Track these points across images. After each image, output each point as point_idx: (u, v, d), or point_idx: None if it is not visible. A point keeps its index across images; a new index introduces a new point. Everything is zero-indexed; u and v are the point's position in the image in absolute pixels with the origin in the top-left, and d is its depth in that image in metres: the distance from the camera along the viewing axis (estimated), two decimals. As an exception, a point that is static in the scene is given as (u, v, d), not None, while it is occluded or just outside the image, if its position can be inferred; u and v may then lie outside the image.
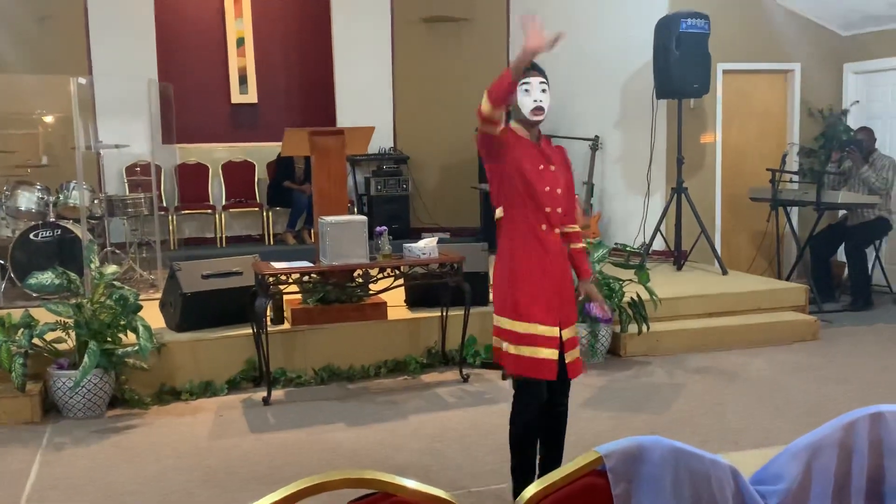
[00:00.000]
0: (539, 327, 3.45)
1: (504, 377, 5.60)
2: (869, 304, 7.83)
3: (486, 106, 3.26)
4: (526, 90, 3.43)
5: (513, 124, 3.56)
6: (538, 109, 3.44)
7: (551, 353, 3.46)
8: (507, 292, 3.52)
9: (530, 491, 1.71)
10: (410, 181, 10.08)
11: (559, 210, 3.55)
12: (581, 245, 3.77)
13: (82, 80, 6.73)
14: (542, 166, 3.49)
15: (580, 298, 3.78)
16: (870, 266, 7.99)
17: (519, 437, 3.60)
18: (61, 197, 7.55)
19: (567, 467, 1.74)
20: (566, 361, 3.56)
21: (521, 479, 3.62)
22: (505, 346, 3.53)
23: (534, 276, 3.48)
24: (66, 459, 4.48)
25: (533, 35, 3.16)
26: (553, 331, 3.48)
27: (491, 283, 3.72)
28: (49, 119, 8.37)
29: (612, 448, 1.76)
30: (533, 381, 3.50)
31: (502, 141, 3.41)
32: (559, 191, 3.54)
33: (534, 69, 3.47)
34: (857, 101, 8.82)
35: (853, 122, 8.74)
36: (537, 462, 3.68)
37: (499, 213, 3.59)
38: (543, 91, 3.44)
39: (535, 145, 3.52)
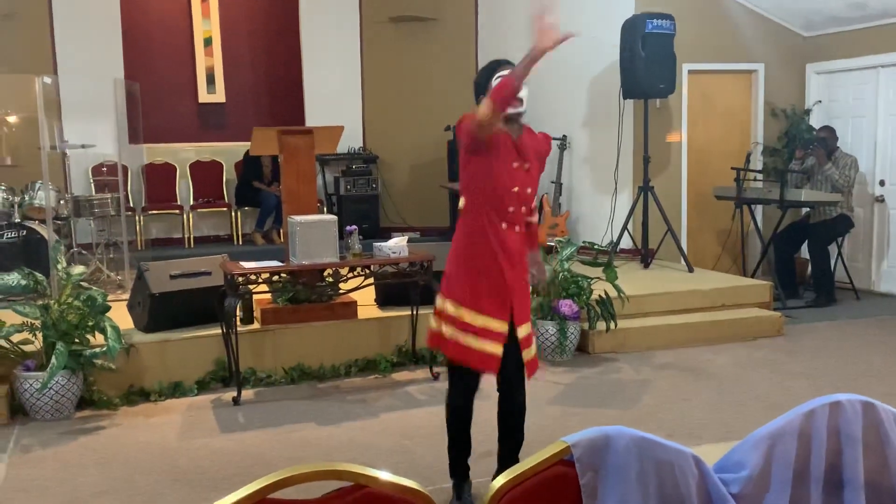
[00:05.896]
0: (491, 321, 3.44)
1: (436, 377, 5.66)
2: (831, 300, 7.97)
3: (487, 112, 3.19)
4: None
5: None
6: (519, 101, 3.39)
7: (496, 348, 3.45)
8: (463, 280, 3.48)
9: (499, 481, 1.73)
10: (380, 181, 10.10)
11: (523, 209, 3.51)
12: (535, 219, 3.71)
13: (47, 80, 6.66)
14: (515, 164, 3.45)
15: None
16: (832, 263, 8.13)
17: (452, 420, 3.71)
18: (27, 197, 7.48)
19: (535, 457, 1.78)
20: (524, 360, 3.57)
21: (455, 456, 3.77)
22: (445, 329, 3.49)
23: (490, 271, 3.45)
24: (33, 462, 4.44)
25: (543, 35, 3.05)
26: (503, 325, 3.47)
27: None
28: (13, 119, 8.26)
29: (578, 438, 1.80)
30: (468, 371, 3.53)
31: (490, 140, 3.37)
32: (529, 190, 3.51)
33: (509, 64, 3.47)
34: (820, 101, 8.97)
35: (815, 121, 8.89)
36: (498, 451, 3.82)
37: (462, 202, 3.55)
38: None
39: (513, 141, 3.47)
